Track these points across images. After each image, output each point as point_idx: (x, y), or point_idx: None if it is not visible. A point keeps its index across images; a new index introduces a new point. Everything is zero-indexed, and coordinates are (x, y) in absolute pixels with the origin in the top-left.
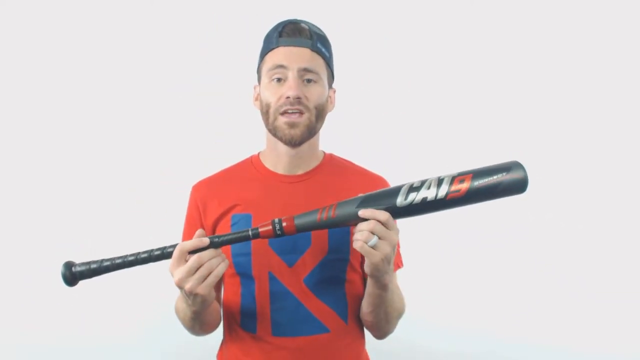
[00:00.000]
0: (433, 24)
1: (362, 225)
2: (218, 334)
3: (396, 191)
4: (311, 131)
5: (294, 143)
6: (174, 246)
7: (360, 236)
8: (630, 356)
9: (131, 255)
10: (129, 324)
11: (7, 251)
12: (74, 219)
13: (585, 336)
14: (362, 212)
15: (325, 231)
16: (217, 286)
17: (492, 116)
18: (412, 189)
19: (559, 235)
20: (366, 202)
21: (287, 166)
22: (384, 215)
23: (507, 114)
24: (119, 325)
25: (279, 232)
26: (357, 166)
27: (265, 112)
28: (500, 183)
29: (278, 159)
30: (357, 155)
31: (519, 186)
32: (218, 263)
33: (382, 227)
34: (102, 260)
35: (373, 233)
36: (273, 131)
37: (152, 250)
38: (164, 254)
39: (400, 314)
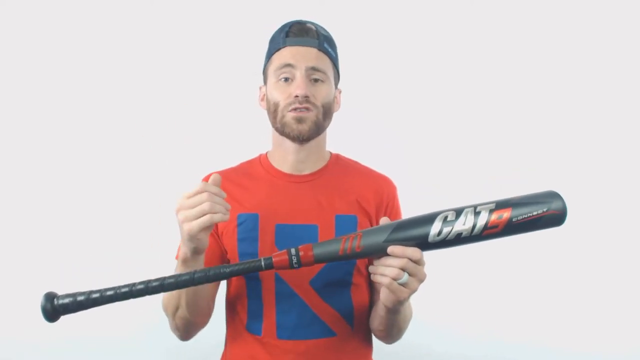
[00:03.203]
0: (439, 25)
1: (391, 261)
2: (221, 336)
3: (427, 222)
4: (319, 128)
5: (301, 139)
6: (172, 277)
7: (390, 272)
8: (630, 356)
9: (125, 286)
10: (130, 324)
11: (7, 250)
12: (71, 220)
13: (585, 337)
14: (391, 250)
15: (332, 232)
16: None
17: (498, 116)
18: (446, 222)
19: (558, 237)
20: (395, 233)
21: (294, 164)
22: (416, 253)
23: (511, 115)
24: (120, 325)
25: (295, 265)
26: (363, 166)
27: (273, 111)
28: (541, 219)
29: (284, 157)
30: (363, 156)
31: (558, 219)
32: (219, 210)
33: (413, 264)
34: (90, 292)
35: (403, 270)
36: (281, 128)
37: (149, 281)
38: (162, 285)
39: (410, 319)
